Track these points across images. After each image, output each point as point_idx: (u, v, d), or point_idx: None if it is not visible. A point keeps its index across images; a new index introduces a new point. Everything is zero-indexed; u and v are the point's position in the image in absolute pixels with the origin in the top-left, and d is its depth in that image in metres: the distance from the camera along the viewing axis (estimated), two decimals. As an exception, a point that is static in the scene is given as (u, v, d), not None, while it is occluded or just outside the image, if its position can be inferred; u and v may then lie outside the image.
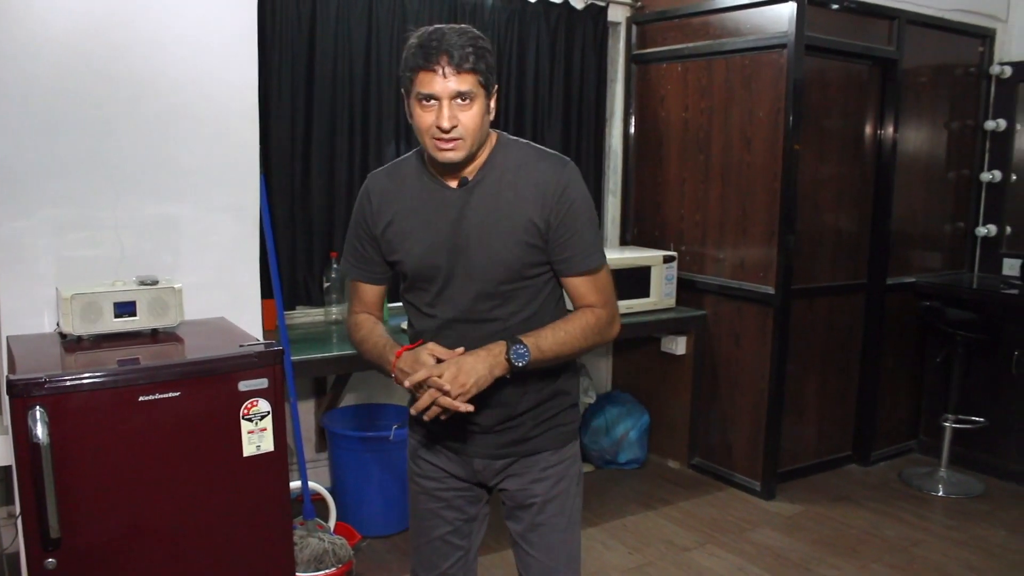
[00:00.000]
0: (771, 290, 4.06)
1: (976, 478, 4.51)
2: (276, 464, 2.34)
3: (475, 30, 1.85)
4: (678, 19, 4.49)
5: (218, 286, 2.87)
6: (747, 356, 4.23)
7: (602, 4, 4.61)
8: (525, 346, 1.84)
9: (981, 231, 4.98)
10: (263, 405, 2.29)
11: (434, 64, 1.76)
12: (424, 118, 1.81)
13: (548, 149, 1.99)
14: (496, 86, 1.89)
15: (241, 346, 2.35)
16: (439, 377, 1.77)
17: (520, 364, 1.84)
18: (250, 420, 2.27)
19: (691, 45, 4.40)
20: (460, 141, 1.82)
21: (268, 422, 2.30)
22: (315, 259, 4.01)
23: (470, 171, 1.92)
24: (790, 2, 3.90)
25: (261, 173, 2.93)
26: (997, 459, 4.55)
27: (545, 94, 4.52)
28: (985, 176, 4.95)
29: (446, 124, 1.78)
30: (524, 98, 4.45)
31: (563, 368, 2.02)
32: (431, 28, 1.82)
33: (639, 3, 4.72)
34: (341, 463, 3.81)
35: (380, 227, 1.98)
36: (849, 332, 4.55)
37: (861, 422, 4.68)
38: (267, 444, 2.31)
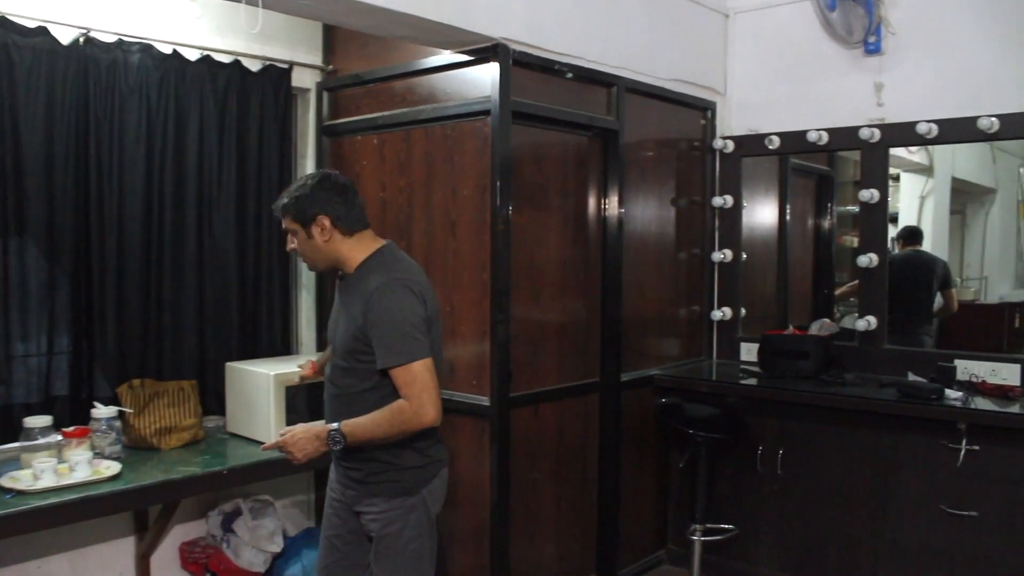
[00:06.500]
0: (486, 400, 3.41)
1: (728, 589, 4.04)
2: None
3: (306, 182, 2.55)
4: (373, 84, 3.86)
5: None
6: (465, 478, 3.53)
7: (284, 66, 3.89)
8: (342, 435, 2.40)
9: (716, 315, 4.65)
10: None
11: (274, 213, 2.61)
12: None
13: (400, 265, 2.54)
14: (317, 217, 2.49)
15: None
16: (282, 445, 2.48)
17: (336, 448, 2.44)
18: None
19: (387, 114, 3.78)
20: (304, 259, 2.60)
21: None
22: None
23: (348, 272, 2.55)
24: (492, 63, 3.37)
25: None
26: (750, 566, 4.11)
27: (213, 171, 3.72)
28: (716, 256, 4.64)
29: (287, 249, 2.61)
30: (185, 176, 3.64)
31: (391, 445, 2.46)
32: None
33: (331, 66, 4.06)
34: None
35: None
36: (584, 438, 3.98)
37: (604, 536, 4.10)
38: None
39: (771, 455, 4.00)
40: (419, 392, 2.37)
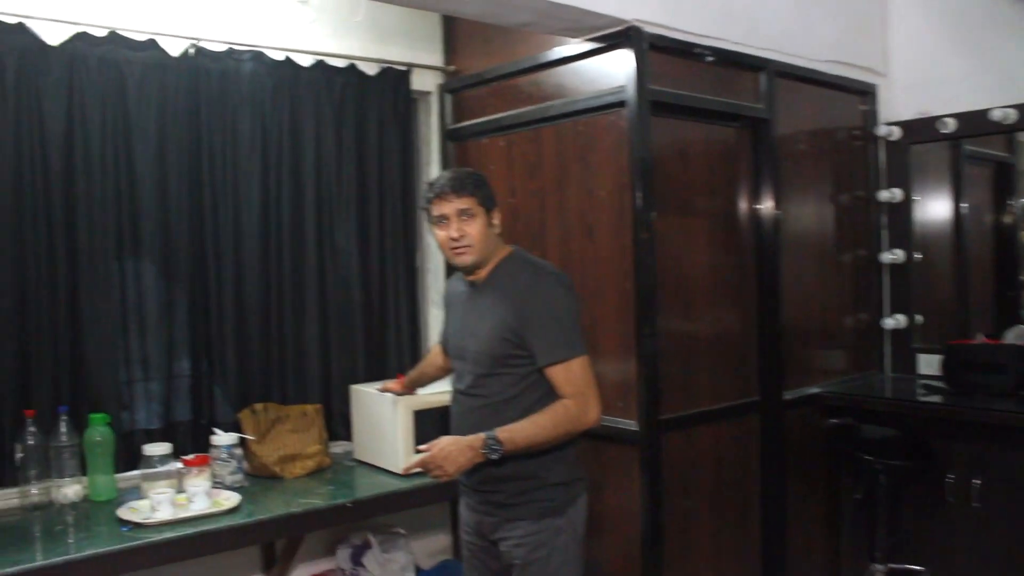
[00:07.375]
0: (634, 424, 3.04)
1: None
2: None
3: (471, 171, 2.48)
4: (496, 81, 3.58)
5: None
6: (613, 511, 3.17)
7: (402, 68, 3.66)
8: (499, 442, 2.23)
9: (888, 323, 4.11)
10: None
11: (441, 192, 2.34)
12: (440, 234, 2.38)
13: (543, 263, 2.47)
14: (496, 207, 2.41)
15: None
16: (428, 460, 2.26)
17: (493, 457, 2.24)
18: None
19: (514, 112, 3.48)
20: (469, 247, 2.35)
21: None
22: (3, 421, 2.88)
23: (481, 275, 2.42)
24: (625, 49, 3.02)
25: None
26: (943, 612, 3.56)
27: (331, 182, 3.51)
28: (886, 256, 4.11)
29: (455, 234, 2.33)
30: (302, 187, 3.45)
31: (539, 454, 2.31)
32: (439, 174, 2.64)
33: (452, 67, 3.81)
34: None
35: (445, 311, 2.64)
36: (743, 464, 3.54)
37: (769, 573, 3.65)
38: None
39: (964, 485, 3.44)
40: (583, 390, 2.30)
